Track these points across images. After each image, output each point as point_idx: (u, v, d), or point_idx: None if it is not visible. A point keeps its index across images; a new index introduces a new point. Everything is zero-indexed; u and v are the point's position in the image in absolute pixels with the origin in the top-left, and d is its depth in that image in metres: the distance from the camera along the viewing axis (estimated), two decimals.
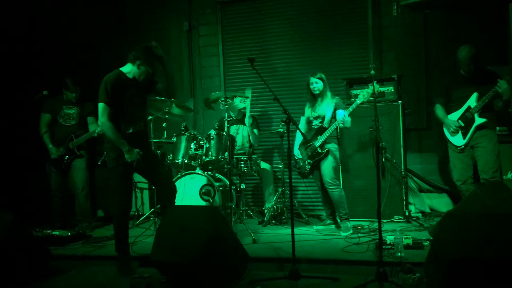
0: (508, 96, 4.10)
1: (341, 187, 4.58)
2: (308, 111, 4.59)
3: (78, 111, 4.99)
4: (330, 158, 4.38)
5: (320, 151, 4.38)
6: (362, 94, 4.21)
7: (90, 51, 6.07)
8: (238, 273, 3.29)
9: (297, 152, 4.59)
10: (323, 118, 4.45)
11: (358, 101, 4.25)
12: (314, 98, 4.53)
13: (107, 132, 3.45)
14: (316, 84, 4.44)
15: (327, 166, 4.38)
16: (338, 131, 4.56)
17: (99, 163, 4.97)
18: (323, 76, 4.46)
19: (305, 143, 4.49)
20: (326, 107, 4.45)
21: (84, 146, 4.96)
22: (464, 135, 4.28)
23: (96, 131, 4.76)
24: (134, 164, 3.46)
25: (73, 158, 4.89)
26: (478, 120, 4.20)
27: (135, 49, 3.58)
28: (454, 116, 4.35)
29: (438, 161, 5.33)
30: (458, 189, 4.42)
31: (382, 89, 4.83)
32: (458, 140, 4.33)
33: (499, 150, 4.24)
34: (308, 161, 4.47)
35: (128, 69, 3.58)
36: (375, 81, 3.83)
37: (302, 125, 4.68)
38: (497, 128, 4.46)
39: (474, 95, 4.22)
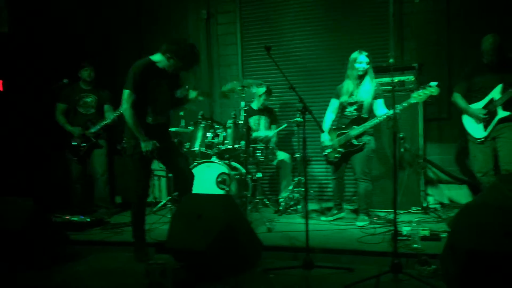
0: None
1: (370, 181, 4.32)
2: (344, 95, 4.23)
3: (96, 99, 5.05)
4: (365, 151, 4.16)
5: (355, 142, 4.15)
6: (418, 94, 3.81)
7: (108, 40, 6.12)
8: (251, 261, 3.30)
9: (326, 138, 4.29)
10: (361, 105, 4.16)
11: (411, 101, 3.86)
12: (355, 79, 4.16)
13: (127, 119, 3.46)
14: (366, 64, 4.09)
15: (361, 160, 4.19)
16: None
17: (118, 148, 5.03)
18: (369, 56, 4.15)
19: (337, 129, 4.26)
20: (366, 92, 4.12)
21: (102, 134, 5.02)
22: (485, 128, 4.16)
23: (108, 119, 4.81)
24: (149, 154, 3.48)
25: (91, 146, 4.96)
26: (501, 113, 4.08)
27: (168, 42, 3.54)
28: (476, 107, 4.23)
29: (459, 152, 5.22)
30: (479, 180, 4.33)
31: (402, 78, 4.72)
32: (478, 132, 4.21)
33: None
34: (339, 149, 4.23)
35: (158, 58, 3.56)
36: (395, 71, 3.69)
37: (333, 108, 4.37)
38: None
39: (499, 87, 4.08)
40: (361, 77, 4.18)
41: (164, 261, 3.16)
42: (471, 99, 4.28)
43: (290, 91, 3.39)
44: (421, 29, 5.30)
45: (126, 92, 3.43)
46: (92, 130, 4.92)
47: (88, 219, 4.51)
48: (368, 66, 4.16)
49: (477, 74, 4.23)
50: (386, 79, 4.80)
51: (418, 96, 3.82)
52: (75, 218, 4.49)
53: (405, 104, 3.89)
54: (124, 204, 5.54)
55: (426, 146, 4.83)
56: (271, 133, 4.64)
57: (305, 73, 5.67)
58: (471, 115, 4.24)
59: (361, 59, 4.14)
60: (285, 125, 5.11)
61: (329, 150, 4.33)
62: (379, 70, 4.89)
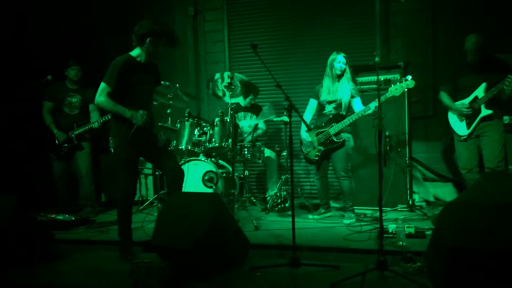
0: None
1: (352, 178, 4.39)
2: (323, 94, 4.33)
3: (80, 98, 5.02)
4: (344, 148, 4.23)
5: (335, 139, 4.22)
6: (395, 88, 3.92)
7: (93, 38, 6.04)
8: (238, 260, 3.30)
9: (305, 135, 4.39)
10: (339, 103, 4.26)
11: (388, 95, 3.95)
12: (333, 79, 4.28)
13: (105, 107, 3.41)
14: (343, 64, 4.23)
15: (341, 157, 4.25)
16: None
17: (104, 146, 5.00)
18: (346, 56, 4.27)
19: (316, 127, 4.32)
20: (344, 91, 4.24)
21: (87, 137, 4.98)
22: (469, 125, 4.22)
23: (95, 124, 4.81)
24: (143, 125, 3.42)
25: (72, 147, 4.92)
26: (484, 112, 4.14)
27: (141, 28, 3.45)
28: (461, 104, 4.28)
29: (444, 150, 5.28)
30: (463, 177, 4.39)
31: (388, 76, 4.76)
32: (461, 129, 4.28)
33: (505, 139, 4.18)
34: (319, 148, 4.30)
35: (137, 52, 3.51)
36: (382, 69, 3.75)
37: (312, 107, 4.47)
38: (505, 117, 4.40)
39: (483, 85, 4.14)
40: (339, 77, 4.30)
41: (150, 260, 3.14)
42: (456, 98, 4.33)
43: (278, 89, 3.39)
44: (407, 28, 5.35)
45: (102, 85, 3.39)
46: (76, 132, 4.87)
47: (73, 218, 4.46)
48: (345, 66, 4.28)
49: (463, 73, 4.29)
50: (372, 78, 4.86)
51: (395, 90, 3.93)
52: (60, 217, 4.44)
53: (382, 98, 3.93)
54: (109, 202, 5.50)
55: (411, 144, 4.87)
56: (254, 122, 4.58)
57: (292, 72, 5.68)
58: (455, 111, 4.31)
59: (339, 59, 4.27)
60: (273, 116, 5.08)
61: (308, 149, 4.38)
62: (365, 68, 4.96)
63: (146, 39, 3.45)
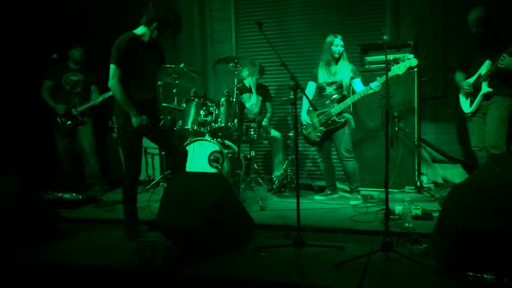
0: None
1: (355, 159, 4.38)
2: (322, 76, 4.32)
3: (83, 78, 5.01)
4: (346, 129, 4.23)
5: (337, 120, 4.21)
6: (398, 67, 3.91)
7: (98, 18, 5.97)
8: (243, 239, 3.30)
9: (305, 117, 4.41)
10: (340, 84, 4.26)
11: (391, 73, 3.93)
12: (331, 61, 4.29)
13: (116, 95, 3.40)
14: (341, 47, 4.23)
15: (343, 137, 4.23)
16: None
17: (109, 125, 5.00)
18: (343, 39, 4.27)
19: (317, 109, 4.31)
20: (344, 72, 4.23)
21: (88, 113, 4.98)
22: (471, 103, 4.24)
23: (97, 100, 4.78)
24: (140, 130, 3.43)
25: (76, 124, 4.92)
26: (485, 89, 4.13)
27: (153, 10, 3.39)
28: (466, 82, 4.29)
29: (454, 131, 5.19)
30: (475, 155, 4.39)
31: (398, 55, 4.64)
32: (466, 107, 4.31)
33: (507, 117, 4.15)
34: (321, 128, 4.29)
35: (141, 31, 3.46)
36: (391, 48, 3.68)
37: (311, 90, 4.47)
38: None
39: (486, 63, 4.13)
40: (337, 59, 4.28)
41: (155, 238, 3.15)
42: (469, 77, 4.31)
43: (282, 70, 3.33)
44: (418, 6, 5.22)
45: (112, 67, 3.36)
46: (79, 109, 4.87)
47: (80, 197, 4.50)
48: (342, 48, 4.26)
49: (471, 52, 4.27)
50: (381, 57, 4.77)
51: (398, 69, 3.92)
52: (67, 196, 4.47)
53: (384, 78, 3.87)
54: (117, 181, 5.52)
55: (421, 125, 4.80)
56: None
57: (299, 51, 5.59)
58: (461, 89, 4.34)
59: (337, 42, 4.25)
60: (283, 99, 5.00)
61: (309, 130, 4.37)
62: (374, 47, 4.86)
63: (154, 23, 3.40)
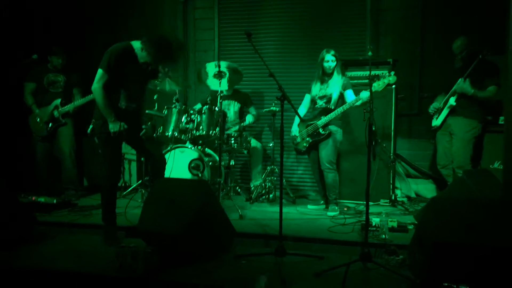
0: (472, 94, 4.29)
1: (337, 171, 4.47)
2: (315, 89, 4.48)
3: (65, 79, 4.95)
4: (331, 141, 4.33)
5: (321, 131, 4.32)
6: (378, 83, 4.01)
7: (80, 20, 5.90)
8: (224, 247, 3.31)
9: (295, 129, 4.54)
10: (330, 98, 4.38)
11: (372, 90, 3.90)
12: (324, 76, 4.42)
13: (97, 98, 3.40)
14: (332, 62, 4.35)
15: (326, 149, 4.34)
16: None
17: (88, 132, 4.92)
18: (336, 54, 4.38)
19: (307, 120, 4.42)
20: (334, 87, 4.36)
21: (69, 114, 4.90)
22: (438, 115, 4.53)
23: (80, 100, 4.76)
24: (116, 135, 3.42)
25: (58, 126, 4.85)
26: (451, 102, 4.39)
27: (150, 36, 3.40)
28: (441, 99, 4.58)
29: (427, 147, 5.36)
30: (440, 172, 4.64)
31: (377, 72, 4.79)
32: (434, 120, 4.60)
33: (472, 138, 4.37)
34: (307, 139, 4.41)
35: (137, 45, 3.47)
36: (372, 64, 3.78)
37: (306, 102, 4.62)
38: (488, 118, 4.54)
39: (459, 80, 4.33)
40: (329, 74, 4.41)
41: (135, 244, 3.13)
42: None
43: (263, 80, 3.40)
44: (397, 25, 5.40)
45: (99, 72, 3.37)
46: (61, 110, 4.82)
47: (55, 201, 4.40)
48: (335, 63, 4.37)
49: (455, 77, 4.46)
50: (361, 73, 4.91)
51: (378, 86, 4.02)
52: (41, 199, 4.37)
53: (367, 93, 4.05)
54: (91, 187, 5.43)
55: (396, 140, 4.94)
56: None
57: (282, 63, 5.66)
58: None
59: (327, 58, 4.37)
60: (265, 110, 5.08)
61: (298, 140, 4.49)
62: (354, 63, 5.00)
63: (143, 44, 3.41)
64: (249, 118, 5.33)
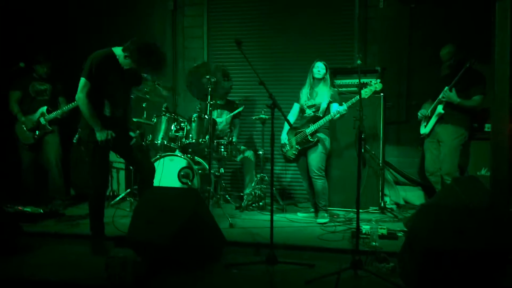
0: (458, 103, 4.31)
1: (326, 178, 4.48)
2: (303, 98, 4.51)
3: (50, 88, 4.90)
4: (319, 148, 4.35)
5: (310, 139, 4.34)
6: (365, 91, 4.07)
7: (66, 28, 5.87)
8: (214, 256, 3.29)
9: (284, 137, 4.56)
10: (318, 107, 4.41)
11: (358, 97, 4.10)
12: (313, 84, 4.47)
13: (81, 108, 3.36)
14: (322, 70, 4.41)
15: (315, 156, 4.35)
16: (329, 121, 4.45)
17: (74, 141, 4.87)
18: (326, 64, 4.44)
19: (295, 128, 4.45)
20: (323, 96, 4.40)
21: (56, 122, 4.86)
22: (426, 123, 4.56)
23: (65, 108, 4.70)
24: (103, 144, 3.39)
25: (45, 133, 4.79)
26: (438, 110, 4.43)
27: (133, 42, 3.38)
28: (428, 107, 4.60)
29: (415, 154, 5.41)
30: (428, 180, 4.66)
31: (365, 80, 4.83)
32: (422, 128, 4.63)
33: (459, 145, 4.41)
34: (296, 146, 4.43)
35: (119, 52, 3.45)
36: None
37: (295, 111, 4.65)
38: (474, 125, 4.59)
39: (445, 88, 4.37)
40: (318, 83, 4.46)
41: (124, 254, 3.08)
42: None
43: (253, 88, 3.40)
44: (384, 34, 5.46)
45: (82, 81, 3.34)
46: (47, 118, 4.77)
47: (42, 210, 4.34)
48: (324, 72, 4.42)
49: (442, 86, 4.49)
50: (349, 81, 4.95)
51: (364, 93, 4.08)
52: (27, 209, 4.30)
53: (353, 100, 4.15)
54: (78, 196, 5.36)
55: (385, 148, 4.98)
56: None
57: (271, 71, 5.68)
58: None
59: (317, 65, 4.44)
60: (241, 108, 5.16)
61: (287, 148, 4.51)
62: (342, 71, 5.04)
63: (125, 51, 3.40)
64: (235, 133, 5.33)
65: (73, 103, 4.68)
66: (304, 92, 4.52)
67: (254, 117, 4.98)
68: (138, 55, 3.36)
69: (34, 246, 3.59)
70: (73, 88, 3.40)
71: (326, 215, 4.39)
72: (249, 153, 5.22)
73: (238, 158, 5.11)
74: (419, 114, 4.66)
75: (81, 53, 3.44)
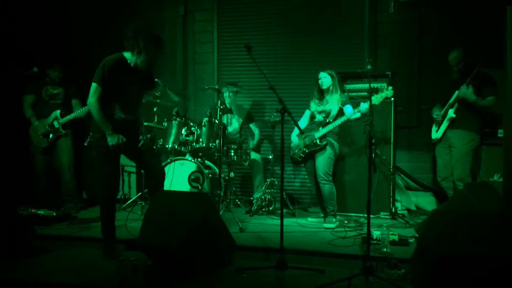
0: (473, 101, 4.28)
1: (333, 183, 4.46)
2: (313, 105, 4.55)
3: (64, 91, 4.96)
4: (327, 152, 4.35)
5: (318, 142, 4.34)
6: (376, 97, 4.04)
7: (81, 35, 5.94)
8: (225, 260, 3.29)
9: (293, 139, 4.58)
10: (328, 113, 4.42)
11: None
12: (321, 93, 4.50)
13: (93, 112, 3.40)
14: (324, 79, 4.42)
15: (323, 160, 4.35)
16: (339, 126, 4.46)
17: (85, 144, 4.92)
18: (332, 72, 4.45)
19: (305, 131, 4.43)
20: (333, 103, 4.41)
21: (69, 125, 4.91)
22: (438, 128, 4.56)
23: (79, 112, 4.77)
24: (115, 149, 3.41)
25: (58, 137, 4.85)
26: (450, 114, 4.40)
27: (133, 36, 3.44)
28: (439, 111, 4.59)
29: (426, 160, 5.38)
30: (440, 185, 4.62)
31: (376, 85, 4.83)
32: (434, 133, 4.61)
33: (471, 150, 4.38)
34: (304, 149, 4.43)
35: (129, 55, 3.50)
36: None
37: (305, 118, 4.66)
38: (486, 130, 4.55)
39: (456, 92, 4.35)
40: (325, 91, 4.48)
41: (136, 258, 3.11)
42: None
43: (262, 93, 3.41)
44: (395, 38, 5.45)
45: (93, 86, 3.38)
46: (61, 121, 4.82)
47: (55, 213, 4.38)
48: (328, 79, 4.43)
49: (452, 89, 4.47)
50: (359, 85, 4.94)
51: (375, 99, 4.05)
52: (41, 212, 4.35)
53: (366, 105, 4.10)
54: (90, 199, 5.41)
55: (396, 153, 4.95)
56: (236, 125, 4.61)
57: (281, 76, 5.69)
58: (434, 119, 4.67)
59: (319, 76, 4.46)
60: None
61: (295, 151, 4.53)
62: (353, 76, 5.03)
63: (135, 49, 3.44)
64: (256, 138, 5.37)
65: (85, 107, 4.75)
66: (314, 100, 4.56)
67: (266, 118, 4.97)
68: (144, 40, 3.41)
69: (47, 249, 3.63)
70: (87, 91, 3.44)
71: (334, 219, 4.38)
72: (256, 156, 5.22)
73: (246, 163, 5.12)
74: (434, 115, 4.61)
75: (95, 56, 3.48)
